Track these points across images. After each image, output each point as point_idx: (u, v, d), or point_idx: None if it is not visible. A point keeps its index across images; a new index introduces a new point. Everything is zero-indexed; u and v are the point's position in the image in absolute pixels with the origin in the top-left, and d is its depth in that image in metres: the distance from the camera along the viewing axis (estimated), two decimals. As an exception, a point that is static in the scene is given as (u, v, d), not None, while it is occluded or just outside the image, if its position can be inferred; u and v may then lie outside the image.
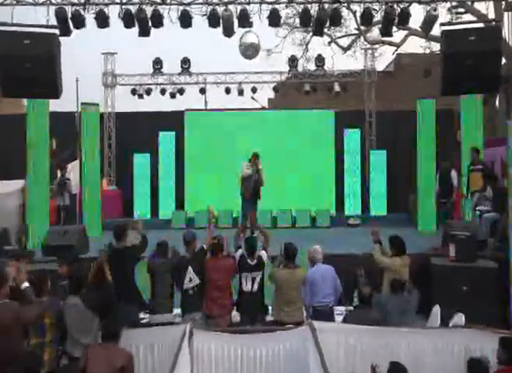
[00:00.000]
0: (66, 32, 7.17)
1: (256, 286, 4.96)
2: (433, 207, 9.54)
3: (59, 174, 9.85)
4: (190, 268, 5.00)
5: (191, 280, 4.99)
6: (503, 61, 7.67)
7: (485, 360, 3.57)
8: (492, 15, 10.96)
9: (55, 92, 6.62)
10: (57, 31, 6.93)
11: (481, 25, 8.48)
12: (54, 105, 9.10)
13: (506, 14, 7.28)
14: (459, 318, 4.76)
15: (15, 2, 7.14)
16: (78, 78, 11.14)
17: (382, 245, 5.21)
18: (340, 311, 5.16)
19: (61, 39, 6.94)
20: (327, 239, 8.34)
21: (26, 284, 3.93)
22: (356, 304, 4.83)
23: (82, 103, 10.11)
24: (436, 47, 14.32)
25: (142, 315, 5.14)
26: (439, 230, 8.80)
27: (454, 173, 8.59)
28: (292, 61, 12.09)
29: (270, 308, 5.13)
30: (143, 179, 11.68)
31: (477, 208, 7.41)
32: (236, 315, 5.12)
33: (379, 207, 11.46)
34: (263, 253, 5.12)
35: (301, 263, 5.30)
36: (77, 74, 11.15)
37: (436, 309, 5.12)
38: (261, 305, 5.08)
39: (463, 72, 6.28)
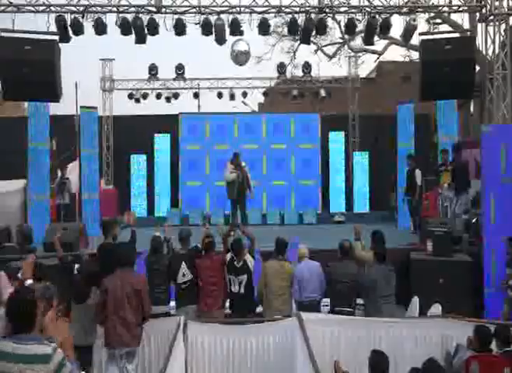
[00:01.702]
0: (66, 38, 7.10)
1: (243, 288, 4.93)
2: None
3: (59, 174, 9.73)
4: (184, 264, 4.98)
5: (184, 275, 4.97)
6: (477, 68, 7.74)
7: (436, 361, 3.55)
8: (466, 26, 11.09)
9: (55, 95, 6.56)
10: (57, 37, 6.86)
11: (456, 35, 8.59)
12: (55, 108, 9.01)
13: (479, 25, 7.36)
14: (436, 308, 4.81)
15: (16, 9, 7.04)
16: (78, 83, 11.03)
17: (363, 242, 5.26)
18: (325, 302, 5.17)
19: (61, 45, 6.88)
20: (313, 236, 8.37)
21: (30, 281, 3.90)
22: (340, 256, 4.96)
23: (81, 107, 10.00)
24: (415, 55, 14.45)
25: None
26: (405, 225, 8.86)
27: (418, 172, 8.56)
28: (281, 67, 12.10)
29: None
30: (140, 179, 11.60)
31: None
32: (227, 307, 5.09)
33: (362, 205, 11.53)
34: (249, 259, 5.03)
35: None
36: (76, 79, 11.03)
37: (415, 300, 5.17)
38: (251, 304, 5.02)
39: (440, 79, 6.35)
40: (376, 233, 5.21)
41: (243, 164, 8.12)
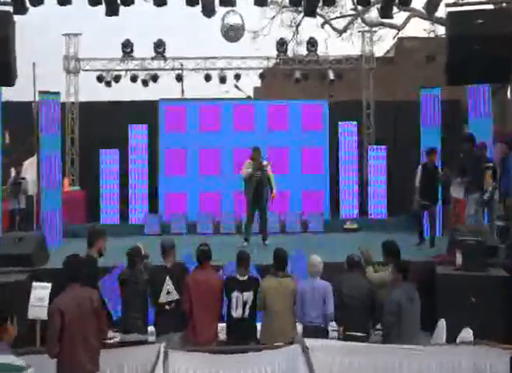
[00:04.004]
0: (21, 10, 7.09)
1: (247, 311, 4.86)
2: (439, 210, 9.67)
3: (13, 173, 9.72)
4: (168, 279, 4.94)
5: (168, 292, 4.90)
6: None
7: None
8: (503, -4, 11.15)
9: (9, 78, 6.53)
10: (11, 8, 6.84)
11: (490, 6, 8.64)
12: (8, 93, 9.00)
13: (518, -6, 7.43)
14: (467, 333, 4.83)
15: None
16: (36, 63, 11.01)
17: (374, 266, 5.30)
18: (333, 327, 5.19)
19: (16, 18, 6.86)
20: (320, 246, 8.39)
21: None
22: (347, 269, 5.07)
23: (39, 92, 9.98)
24: (441, 30, 14.54)
25: (111, 334, 5.09)
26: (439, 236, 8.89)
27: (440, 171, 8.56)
28: (281, 44, 12.13)
29: (259, 324, 5.09)
30: (111, 178, 11.59)
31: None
32: (222, 330, 5.07)
33: (378, 209, 11.57)
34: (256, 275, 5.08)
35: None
36: (34, 59, 11.02)
37: (442, 323, 5.19)
38: (253, 333, 4.96)
39: (470, 59, 6.37)
40: (384, 245, 5.25)
41: (265, 162, 8.22)
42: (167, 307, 4.92)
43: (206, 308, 4.84)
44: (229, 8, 8.04)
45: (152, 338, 5.03)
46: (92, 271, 4.90)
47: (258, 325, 5.06)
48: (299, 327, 5.09)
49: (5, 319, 2.74)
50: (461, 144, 8.26)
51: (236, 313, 4.86)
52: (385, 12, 7.88)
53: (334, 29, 16.76)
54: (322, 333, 4.94)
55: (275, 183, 8.52)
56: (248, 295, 4.88)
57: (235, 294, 4.88)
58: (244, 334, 4.86)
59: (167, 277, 4.92)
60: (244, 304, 4.86)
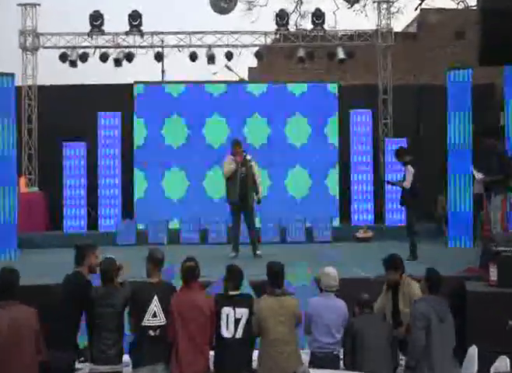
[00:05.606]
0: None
1: (241, 331, 4.78)
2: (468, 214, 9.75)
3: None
4: (156, 298, 4.87)
5: (155, 315, 4.81)
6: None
7: None
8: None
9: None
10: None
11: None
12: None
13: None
14: (502, 362, 4.87)
15: None
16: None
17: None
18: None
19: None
20: (327, 258, 8.43)
21: None
22: (358, 311, 5.08)
23: (-10, 73, 9.99)
24: (472, 1, 14.63)
25: (78, 365, 5.08)
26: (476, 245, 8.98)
27: (410, 169, 8.62)
28: (281, 17, 12.17)
29: (256, 352, 5.09)
30: (77, 177, 11.60)
31: None
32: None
33: (397, 214, 11.62)
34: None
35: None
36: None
37: (473, 350, 5.22)
38: (246, 359, 4.87)
39: (506, 35, 6.43)
40: (386, 258, 5.29)
41: (249, 157, 8.33)
42: (151, 333, 4.85)
43: (194, 335, 4.82)
44: (219, -26, 8.06)
45: (127, 369, 5.01)
46: (84, 292, 4.89)
47: (255, 353, 5.06)
48: (306, 355, 5.10)
49: None
50: (482, 138, 8.36)
51: (227, 332, 4.82)
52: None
53: (344, -2, 16.83)
54: (334, 361, 4.93)
55: (260, 182, 8.59)
56: (242, 312, 4.83)
57: (226, 309, 4.84)
58: (236, 359, 4.79)
59: (155, 297, 4.88)
60: (237, 322, 4.84)
